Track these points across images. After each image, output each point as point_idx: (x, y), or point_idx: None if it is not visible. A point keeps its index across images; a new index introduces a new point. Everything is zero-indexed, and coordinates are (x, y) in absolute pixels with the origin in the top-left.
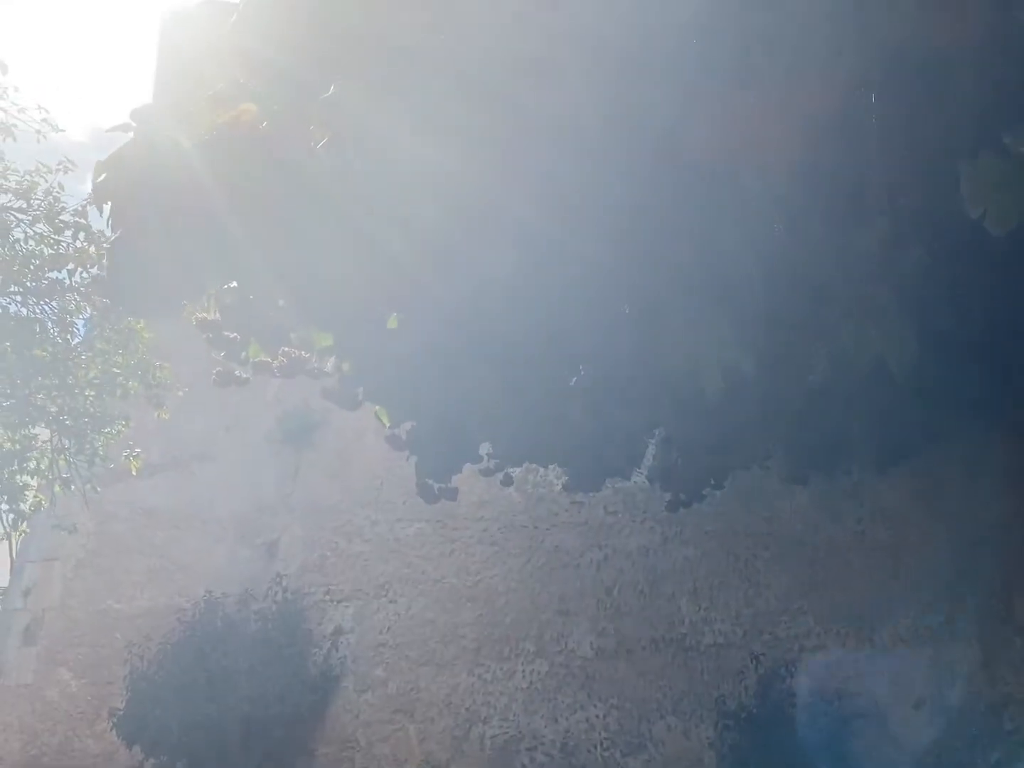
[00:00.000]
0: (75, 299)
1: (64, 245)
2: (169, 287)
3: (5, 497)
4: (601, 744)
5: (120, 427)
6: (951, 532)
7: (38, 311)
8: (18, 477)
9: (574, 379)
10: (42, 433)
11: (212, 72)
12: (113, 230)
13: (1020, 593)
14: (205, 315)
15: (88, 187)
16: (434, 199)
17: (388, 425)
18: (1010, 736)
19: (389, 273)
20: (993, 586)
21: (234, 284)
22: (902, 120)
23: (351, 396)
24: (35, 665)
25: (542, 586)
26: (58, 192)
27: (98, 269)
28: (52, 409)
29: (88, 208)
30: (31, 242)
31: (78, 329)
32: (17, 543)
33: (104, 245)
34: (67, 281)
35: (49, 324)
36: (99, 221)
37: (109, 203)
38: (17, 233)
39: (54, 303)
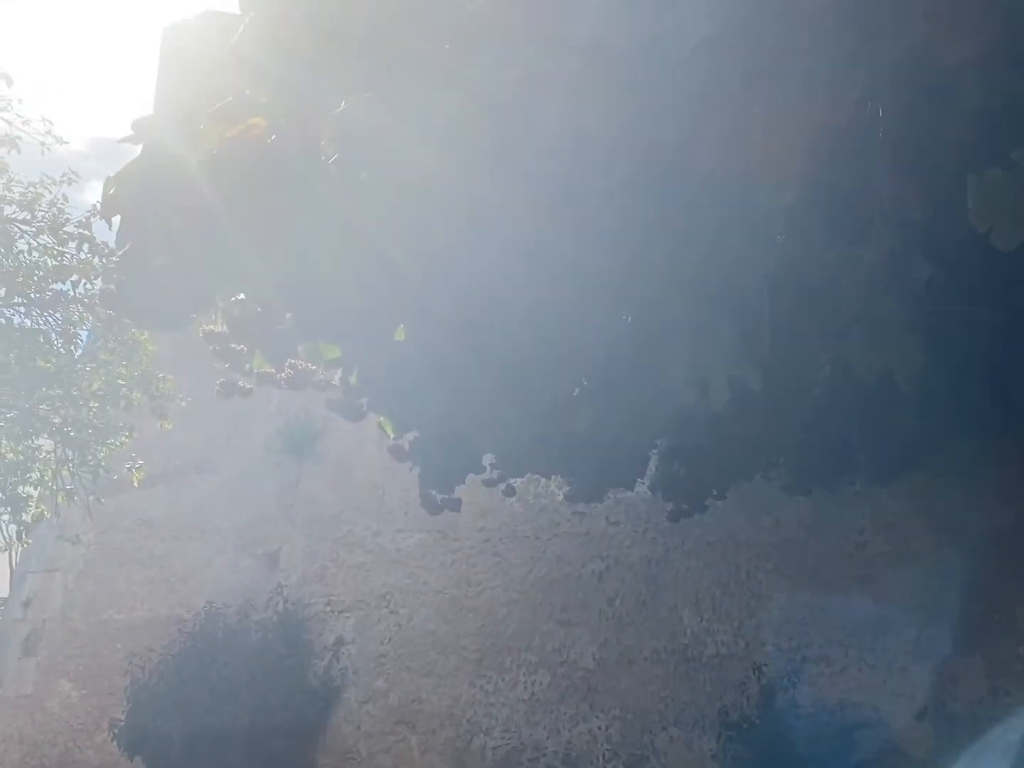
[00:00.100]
0: (79, 310)
1: (68, 257)
2: (178, 300)
3: (8, 509)
4: (603, 755)
5: (123, 438)
6: (953, 543)
7: (42, 322)
8: (21, 488)
9: (576, 390)
10: (45, 444)
11: (215, 83)
12: (119, 243)
13: (1023, 604)
14: (212, 327)
15: (88, 197)
16: (444, 213)
17: (392, 436)
18: (1013, 747)
19: (397, 286)
20: (996, 597)
21: (241, 297)
22: (909, 134)
23: (356, 407)
24: (35, 676)
25: (544, 597)
26: (62, 204)
27: (102, 281)
28: (55, 420)
29: (92, 219)
30: (35, 253)
31: (81, 340)
32: (17, 554)
33: (113, 259)
34: (71, 292)
35: (53, 336)
36: (103, 233)
37: (118, 217)
38: (21, 244)
39: (58, 315)
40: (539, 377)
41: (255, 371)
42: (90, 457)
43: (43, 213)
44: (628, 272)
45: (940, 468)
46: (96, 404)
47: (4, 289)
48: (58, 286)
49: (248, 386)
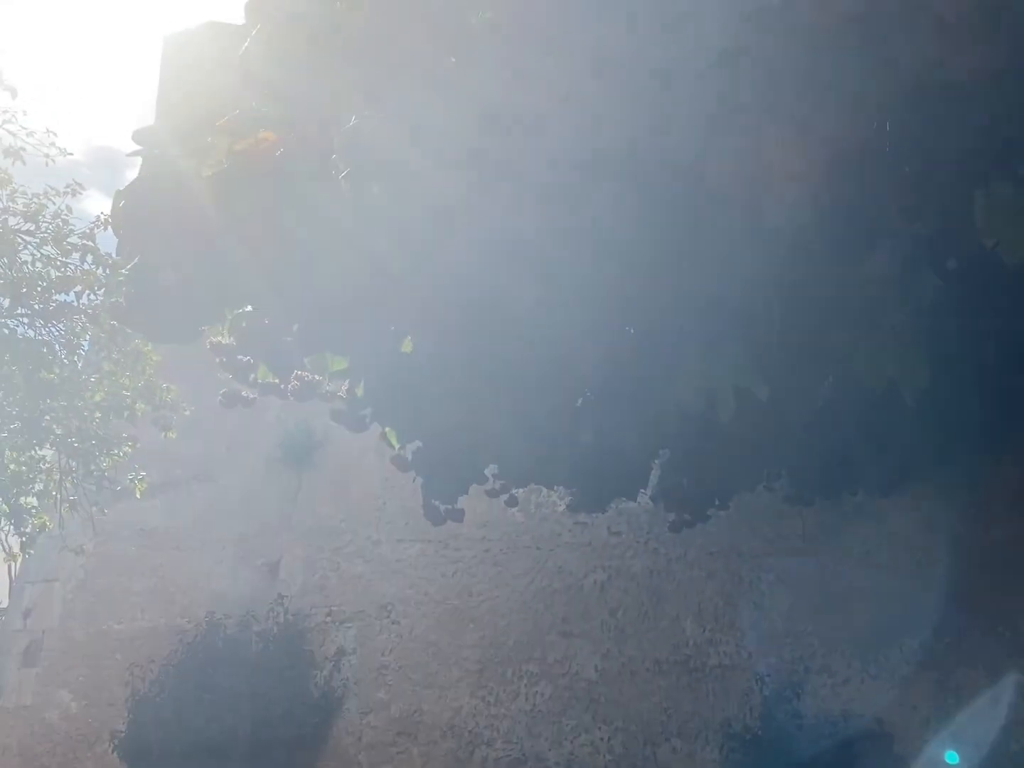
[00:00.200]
0: (82, 321)
1: (71, 268)
2: (187, 314)
3: (12, 521)
4: (606, 767)
5: (127, 448)
6: (956, 554)
7: (45, 333)
8: (23, 499)
9: (580, 400)
10: (47, 455)
11: (219, 95)
12: (122, 254)
13: None
14: (220, 339)
15: (87, 206)
16: (454, 227)
17: (397, 447)
18: (1016, 757)
19: (405, 299)
20: (998, 609)
21: (249, 309)
22: (918, 148)
23: (359, 419)
24: (34, 686)
25: (545, 607)
26: (66, 215)
27: (110, 294)
28: (58, 431)
29: (96, 230)
30: (38, 264)
31: (82, 351)
32: (17, 564)
33: (122, 272)
34: (75, 303)
35: (56, 347)
36: (106, 243)
37: (128, 230)
38: (24, 255)
39: (61, 325)
40: (544, 388)
41: (259, 382)
42: (94, 468)
43: (47, 224)
44: (636, 285)
45: (942, 480)
46: (100, 415)
47: (8, 300)
48: (61, 297)
49: (251, 396)
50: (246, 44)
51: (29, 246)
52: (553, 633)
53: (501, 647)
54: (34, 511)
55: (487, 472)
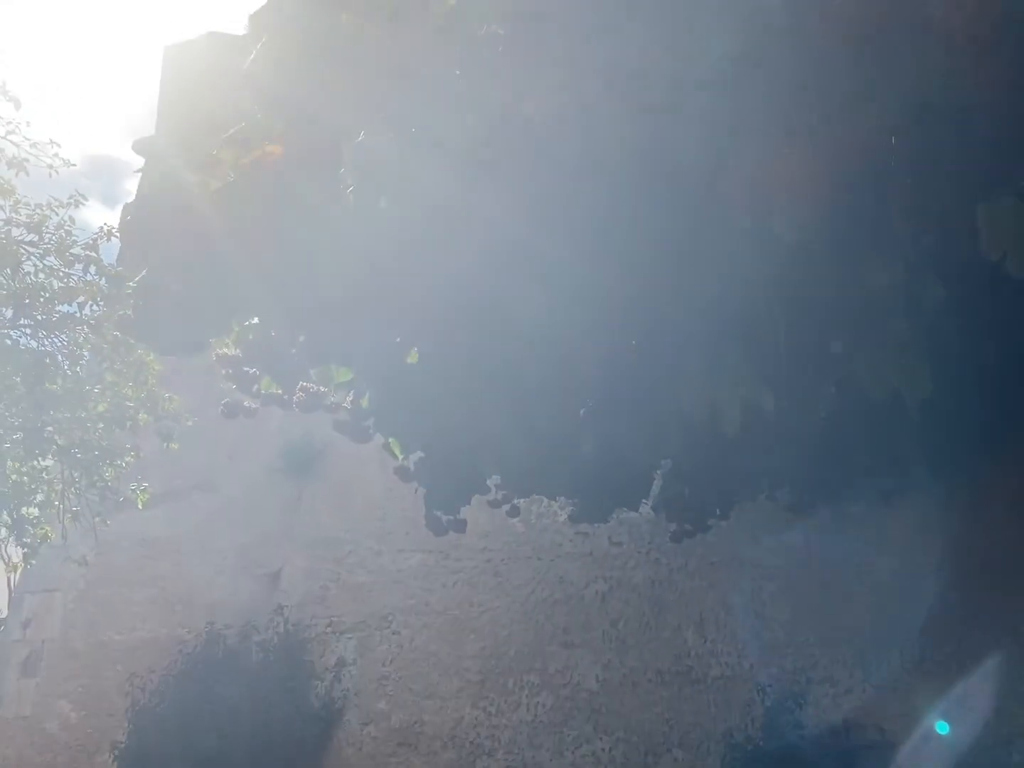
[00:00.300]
0: (84, 332)
1: (74, 278)
2: (195, 326)
3: (14, 531)
4: None
5: (129, 459)
6: (957, 563)
7: (48, 344)
8: (25, 509)
9: (582, 410)
10: (50, 465)
11: (221, 105)
12: (120, 262)
13: None
14: (226, 351)
15: (85, 215)
16: (461, 240)
17: (400, 458)
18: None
19: (412, 311)
20: (1000, 617)
21: (255, 321)
22: (923, 161)
23: (363, 429)
24: (34, 697)
25: (546, 618)
26: (69, 226)
27: (117, 306)
28: (62, 442)
29: (99, 242)
30: (41, 275)
31: (84, 362)
32: (17, 574)
33: (129, 284)
34: (78, 314)
35: (59, 357)
36: (108, 254)
37: (135, 243)
38: (27, 266)
39: (64, 336)
40: (547, 397)
41: (263, 392)
42: (96, 478)
43: (50, 235)
44: (642, 296)
45: (942, 487)
46: (102, 426)
47: (11, 311)
48: (64, 308)
49: (253, 406)
50: (251, 57)
51: (32, 257)
52: (554, 643)
53: (502, 657)
54: (36, 521)
55: (489, 482)
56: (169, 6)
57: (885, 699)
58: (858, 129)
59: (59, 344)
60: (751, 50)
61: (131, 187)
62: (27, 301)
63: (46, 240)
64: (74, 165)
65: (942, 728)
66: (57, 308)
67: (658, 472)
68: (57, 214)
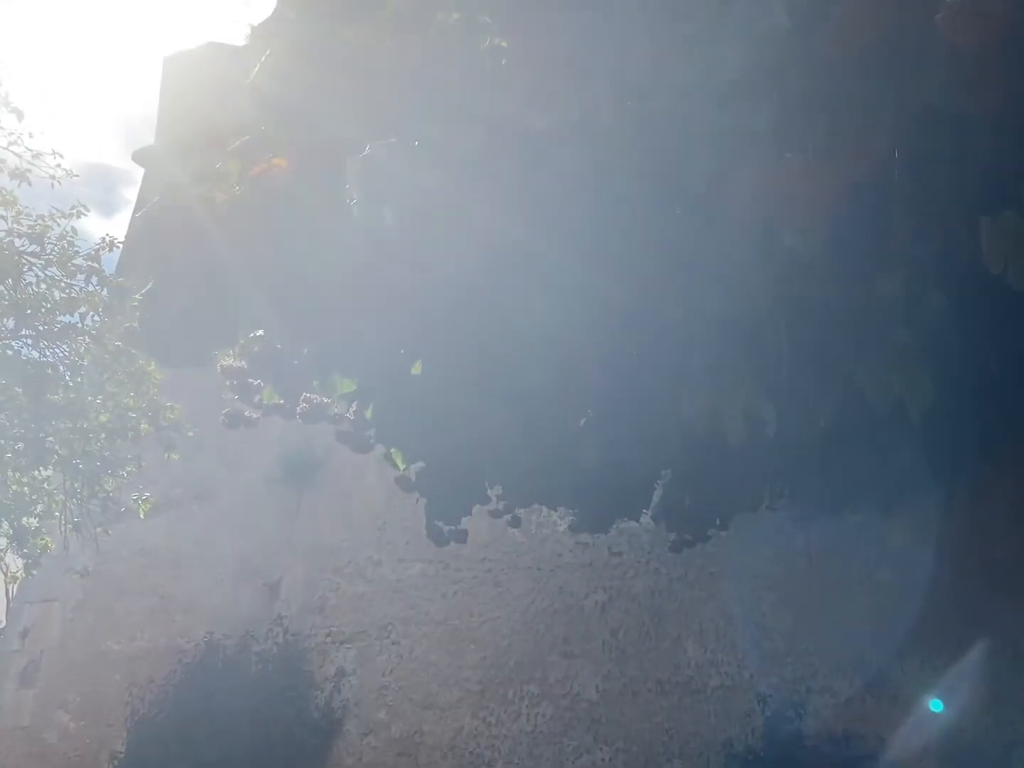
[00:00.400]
0: (86, 342)
1: (76, 289)
2: (201, 338)
3: (14, 541)
4: None
5: (130, 469)
6: (957, 573)
7: (49, 355)
8: (25, 520)
9: (583, 420)
10: (51, 476)
11: (220, 115)
12: (120, 273)
13: None
14: (231, 363)
15: (83, 224)
16: (467, 251)
17: (402, 468)
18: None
19: (417, 323)
20: (1000, 628)
21: (260, 333)
22: (927, 175)
23: (364, 439)
24: (32, 707)
25: (546, 628)
26: (71, 237)
27: (108, 313)
28: (63, 452)
29: (101, 252)
30: (42, 286)
31: (83, 371)
32: (16, 585)
33: (136, 297)
34: (79, 324)
35: (61, 368)
36: (107, 264)
37: (118, 251)
38: (29, 277)
39: (65, 347)
40: (551, 409)
41: (265, 402)
42: (98, 488)
43: (52, 246)
44: (644, 304)
45: (944, 498)
46: (104, 436)
47: (12, 321)
48: (66, 318)
49: (255, 416)
50: (256, 69)
51: (34, 268)
52: (554, 654)
53: (502, 668)
54: (36, 532)
55: (490, 492)
56: (160, 15)
57: (886, 709)
58: (864, 142)
59: (60, 355)
60: (760, 61)
61: (128, 195)
62: (28, 312)
63: (48, 251)
64: (76, 176)
65: (936, 706)
66: (58, 319)
67: (658, 482)
68: (59, 224)
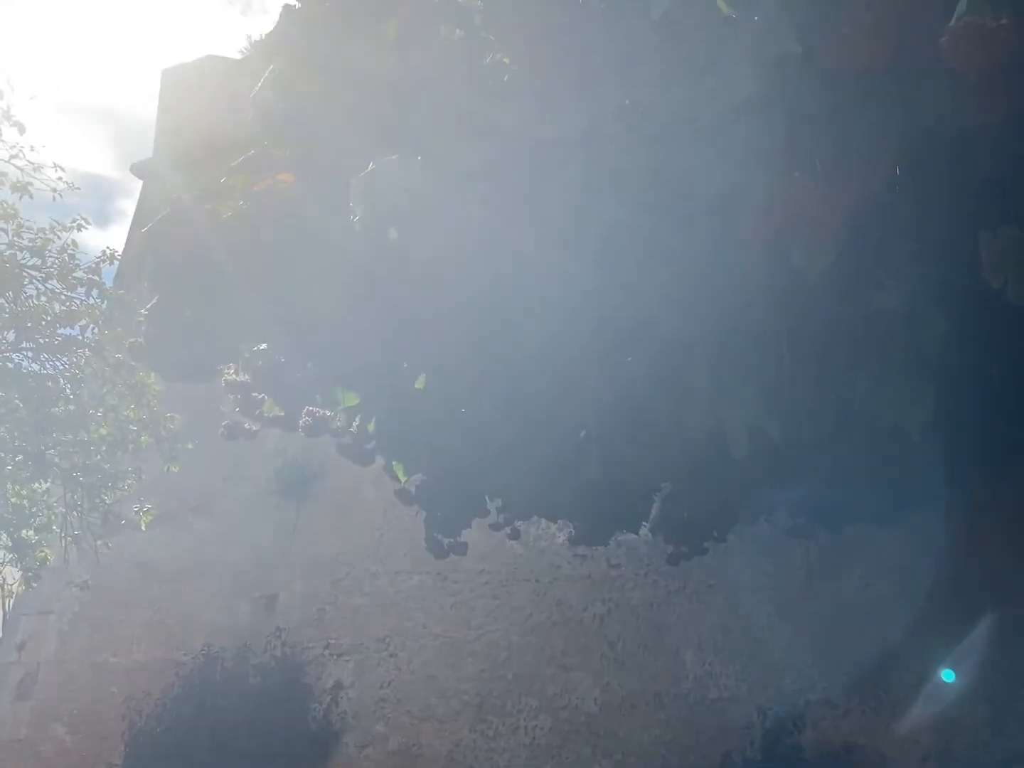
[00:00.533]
0: (86, 355)
1: (76, 301)
2: (206, 353)
3: (13, 554)
4: None
5: (131, 482)
6: (955, 585)
7: (49, 367)
8: (25, 532)
9: (583, 432)
10: (50, 488)
11: (224, 130)
12: (119, 284)
13: None
14: (234, 377)
15: (79, 236)
16: (472, 265)
17: (403, 481)
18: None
19: (420, 336)
20: (1000, 639)
21: (264, 347)
22: (929, 191)
23: (365, 452)
24: (29, 720)
25: (545, 640)
26: (72, 250)
27: (107, 326)
28: (63, 465)
29: (101, 265)
30: (43, 298)
31: (85, 385)
32: (12, 597)
33: (141, 312)
34: (79, 337)
35: (61, 380)
36: (108, 276)
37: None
38: (30, 290)
39: (65, 359)
40: (552, 421)
41: (265, 415)
42: (99, 501)
43: (52, 259)
44: (647, 319)
45: (941, 511)
46: (105, 448)
47: (13, 334)
48: (66, 331)
49: (254, 428)
50: (259, 83)
51: (35, 280)
52: (553, 666)
53: (500, 680)
54: (35, 545)
55: (490, 505)
56: (150, 26)
57: (884, 721)
58: (869, 161)
59: (61, 367)
60: (770, 82)
61: (122, 207)
62: (29, 324)
63: (48, 264)
64: (78, 188)
65: (948, 676)
66: (59, 331)
67: (657, 494)
68: (60, 237)
